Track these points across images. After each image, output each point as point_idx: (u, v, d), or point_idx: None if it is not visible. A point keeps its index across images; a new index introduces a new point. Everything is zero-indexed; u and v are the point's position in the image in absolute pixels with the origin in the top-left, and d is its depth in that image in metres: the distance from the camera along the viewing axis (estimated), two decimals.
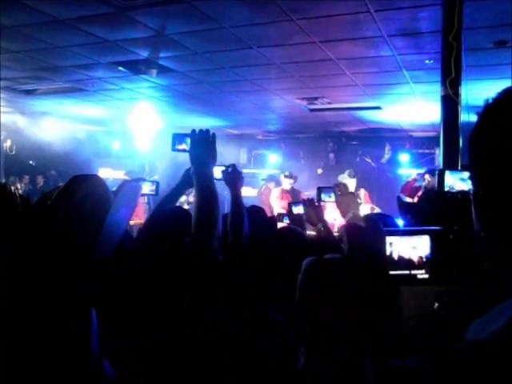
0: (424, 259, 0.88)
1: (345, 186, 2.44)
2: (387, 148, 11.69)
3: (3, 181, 11.88)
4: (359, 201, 8.40)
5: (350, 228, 0.75)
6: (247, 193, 11.73)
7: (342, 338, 0.67)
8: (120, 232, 1.33)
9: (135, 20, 5.02)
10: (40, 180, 12.73)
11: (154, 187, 3.46)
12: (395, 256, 0.87)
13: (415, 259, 0.88)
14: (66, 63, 6.75)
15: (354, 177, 8.60)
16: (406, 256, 0.87)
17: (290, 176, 9.35)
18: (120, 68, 6.79)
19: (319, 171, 12.34)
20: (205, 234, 1.60)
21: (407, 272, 0.87)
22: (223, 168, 2.56)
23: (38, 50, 6.18)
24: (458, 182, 2.66)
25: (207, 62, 6.40)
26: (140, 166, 13.47)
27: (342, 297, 0.67)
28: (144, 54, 6.20)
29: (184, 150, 2.06)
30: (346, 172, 8.64)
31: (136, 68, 6.71)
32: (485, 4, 4.30)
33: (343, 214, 2.32)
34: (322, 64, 6.28)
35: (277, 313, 1.60)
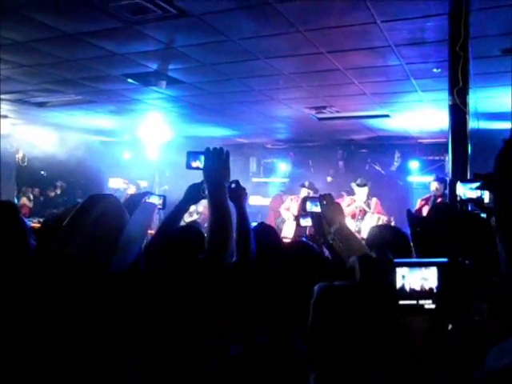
0: (434, 290, 0.90)
1: (330, 196, 2.44)
2: (396, 155, 11.66)
3: (15, 191, 12.04)
4: (368, 210, 8.39)
5: (363, 258, 0.78)
6: (256, 201, 11.78)
7: (351, 363, 0.69)
8: (135, 250, 1.36)
9: (144, 34, 5.10)
10: (51, 192, 12.87)
11: (161, 201, 3.49)
12: (405, 286, 0.89)
13: (424, 290, 0.90)
14: (77, 76, 6.85)
15: (364, 185, 8.57)
16: (416, 286, 0.89)
17: (309, 187, 9.31)
18: (130, 80, 6.88)
19: (329, 179, 12.34)
20: (219, 251, 1.63)
21: (415, 302, 0.88)
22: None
23: (49, 64, 6.28)
24: (468, 191, 2.68)
25: (216, 73, 6.46)
26: (150, 175, 13.59)
27: (353, 324, 0.69)
28: (153, 66, 6.28)
29: (198, 168, 2.09)
30: (357, 180, 8.62)
31: (146, 80, 6.79)
32: (492, 13, 4.31)
33: (329, 225, 2.32)
34: (329, 74, 6.31)
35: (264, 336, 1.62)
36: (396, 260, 0.86)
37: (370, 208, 8.45)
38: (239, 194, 2.42)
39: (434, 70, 5.90)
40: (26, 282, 1.47)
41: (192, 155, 2.13)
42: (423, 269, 0.90)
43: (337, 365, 0.70)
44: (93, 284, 1.34)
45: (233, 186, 2.46)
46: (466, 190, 2.66)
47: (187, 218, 9.50)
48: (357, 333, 0.70)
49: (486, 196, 2.36)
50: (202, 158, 2.05)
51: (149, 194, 3.68)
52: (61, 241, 1.40)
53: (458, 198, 2.68)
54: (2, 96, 8.15)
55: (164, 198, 3.54)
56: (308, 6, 4.27)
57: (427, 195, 8.28)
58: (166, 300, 1.64)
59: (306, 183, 9.49)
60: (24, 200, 12.37)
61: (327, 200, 2.36)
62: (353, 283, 0.74)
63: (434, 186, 7.66)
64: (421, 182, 11.14)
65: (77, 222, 1.40)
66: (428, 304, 0.89)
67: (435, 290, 0.90)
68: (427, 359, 0.91)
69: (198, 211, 9.82)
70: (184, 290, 1.65)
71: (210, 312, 1.72)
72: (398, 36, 4.92)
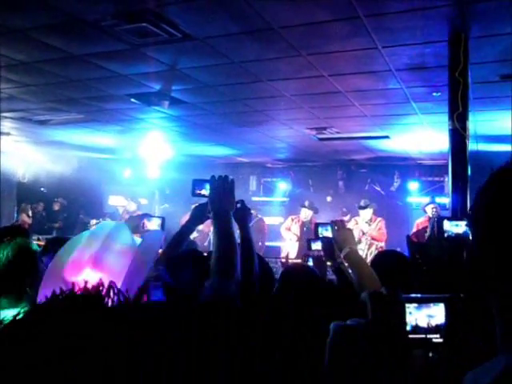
0: (439, 325, 0.93)
1: (342, 221, 2.49)
2: (396, 176, 11.72)
3: (15, 208, 12.04)
4: (367, 230, 8.42)
5: (374, 295, 0.81)
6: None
7: None
8: (142, 278, 1.38)
9: (149, 56, 5.18)
10: (55, 206, 12.87)
11: (160, 222, 3.49)
12: (414, 321, 0.92)
13: (432, 325, 0.93)
14: (80, 95, 6.93)
15: (366, 207, 8.62)
16: (424, 322, 0.92)
17: (309, 207, 9.38)
18: (133, 100, 6.95)
19: (328, 199, 12.37)
20: (224, 278, 1.64)
21: (423, 336, 0.91)
22: None
23: (54, 84, 6.35)
24: (453, 227, 2.85)
25: (218, 94, 6.54)
26: (150, 193, 13.62)
27: (366, 361, 0.72)
28: (156, 86, 6.35)
29: (204, 196, 2.12)
30: (361, 202, 8.68)
31: (148, 100, 6.86)
32: (490, 40, 4.39)
33: (340, 249, 2.36)
34: (331, 96, 6.39)
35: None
36: (405, 296, 0.89)
37: (370, 226, 8.49)
38: (244, 215, 2.42)
39: (434, 94, 5.98)
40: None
41: (197, 183, 2.17)
42: (431, 305, 0.93)
43: None
44: (99, 311, 1.36)
45: (238, 205, 2.46)
46: (452, 227, 2.80)
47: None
48: (370, 367, 0.73)
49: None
50: (207, 185, 2.08)
51: (147, 216, 3.69)
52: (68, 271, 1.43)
53: (446, 235, 2.80)
54: (5, 114, 8.24)
55: (163, 219, 3.54)
56: (311, 31, 4.35)
57: (423, 218, 8.36)
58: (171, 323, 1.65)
59: (306, 203, 9.55)
60: (24, 217, 12.37)
61: (338, 225, 2.40)
62: (365, 321, 0.77)
63: (430, 208, 7.77)
64: (420, 202, 11.18)
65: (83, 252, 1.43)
66: (436, 338, 0.92)
67: (441, 326, 0.93)
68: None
69: (198, 229, 9.83)
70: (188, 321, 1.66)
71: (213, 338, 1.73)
72: (399, 61, 5.00)
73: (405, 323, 0.89)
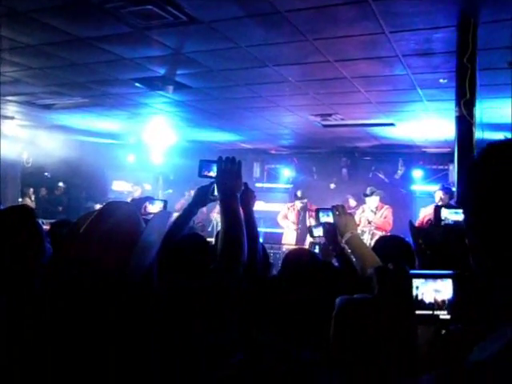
0: (446, 301, 0.92)
1: (342, 206, 2.47)
2: (400, 164, 11.68)
3: (19, 192, 12.07)
4: (373, 217, 8.39)
5: (380, 269, 0.81)
6: (259, 207, 11.80)
7: (373, 372, 0.72)
8: (150, 259, 1.37)
9: (153, 39, 5.13)
10: (57, 191, 12.91)
11: (162, 205, 3.47)
12: (419, 297, 0.92)
13: (438, 301, 0.92)
14: (85, 79, 6.90)
15: (371, 195, 8.59)
16: (430, 297, 0.92)
17: (301, 196, 9.56)
18: (137, 84, 6.92)
19: (332, 186, 12.36)
20: (231, 261, 1.64)
21: (430, 312, 0.91)
22: None
23: (58, 67, 6.32)
24: (452, 215, 2.86)
25: (223, 79, 6.50)
26: (154, 178, 13.63)
27: (372, 334, 0.72)
28: (161, 71, 6.32)
29: (210, 177, 2.10)
30: (367, 190, 8.66)
31: (153, 84, 6.83)
32: (500, 26, 4.33)
33: (341, 234, 2.36)
34: (336, 82, 6.34)
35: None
36: (412, 271, 0.89)
37: (375, 214, 8.47)
38: (248, 197, 2.41)
39: (441, 81, 5.93)
40: (43, 287, 1.49)
41: (204, 164, 2.13)
42: (438, 280, 0.93)
43: (359, 373, 0.72)
44: (109, 290, 1.36)
45: (242, 188, 2.45)
46: (449, 215, 2.80)
47: None
48: (377, 342, 0.73)
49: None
50: (215, 166, 2.06)
51: (150, 199, 3.68)
52: (78, 247, 1.43)
53: (443, 223, 2.80)
54: (10, 97, 8.22)
55: (165, 202, 3.53)
56: (317, 15, 4.30)
57: (430, 205, 8.28)
58: (176, 308, 1.66)
59: (299, 193, 9.75)
60: (27, 201, 12.41)
61: (339, 210, 2.39)
62: (371, 295, 0.77)
63: (439, 195, 7.67)
64: (424, 190, 11.16)
65: (95, 228, 1.43)
66: (443, 315, 0.92)
67: (447, 302, 0.93)
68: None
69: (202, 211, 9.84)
70: (194, 299, 1.67)
71: (218, 318, 1.74)
72: (406, 46, 4.95)
73: (412, 298, 0.89)
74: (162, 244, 2.30)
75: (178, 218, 2.45)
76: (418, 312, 0.90)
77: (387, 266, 0.84)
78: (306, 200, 9.61)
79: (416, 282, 0.92)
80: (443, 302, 0.92)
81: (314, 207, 3.98)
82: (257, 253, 2.34)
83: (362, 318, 0.76)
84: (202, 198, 2.37)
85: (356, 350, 0.74)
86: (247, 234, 2.23)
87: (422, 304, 0.91)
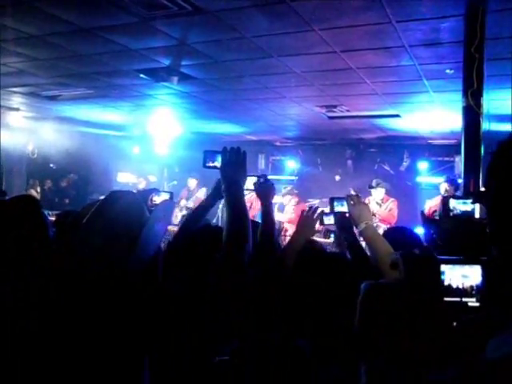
0: (474, 286, 0.91)
1: (357, 196, 2.45)
2: (406, 156, 11.62)
3: (25, 183, 12.10)
4: (378, 209, 8.35)
5: (407, 255, 0.80)
6: None
7: (401, 358, 0.71)
8: (154, 247, 1.37)
9: (158, 30, 5.10)
10: (63, 183, 12.92)
11: (168, 197, 3.48)
12: (447, 282, 0.90)
13: (466, 286, 0.91)
14: (89, 70, 6.88)
15: (376, 187, 8.56)
16: (458, 283, 0.90)
17: (290, 192, 9.73)
18: (142, 75, 6.89)
19: (337, 178, 12.32)
20: (235, 250, 1.63)
21: (458, 299, 0.90)
22: (255, 179, 2.50)
23: (62, 58, 6.30)
24: (460, 205, 2.83)
25: (228, 70, 6.46)
26: (159, 170, 13.63)
27: (400, 319, 0.71)
28: (166, 62, 6.29)
29: (215, 167, 2.09)
30: (373, 182, 8.63)
31: (157, 75, 6.80)
32: (508, 15, 4.28)
33: (356, 225, 2.33)
34: (342, 73, 6.30)
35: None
36: (440, 257, 0.88)
37: (380, 207, 8.44)
38: (268, 190, 2.38)
39: (448, 71, 5.87)
40: (46, 275, 1.48)
41: (209, 154, 2.12)
42: (466, 266, 0.91)
43: (386, 357, 0.71)
44: (112, 279, 1.35)
45: (261, 180, 2.41)
46: (457, 205, 2.78)
47: (179, 213, 9.54)
48: (404, 327, 0.72)
49: (477, 210, 2.44)
50: (219, 157, 2.05)
51: (156, 190, 3.69)
52: (81, 236, 1.42)
53: (451, 213, 2.78)
54: (15, 89, 8.22)
55: (171, 194, 3.55)
56: (323, 4, 4.26)
57: (435, 197, 8.24)
58: (181, 297, 1.65)
59: (289, 187, 9.93)
60: (32, 192, 12.44)
61: (354, 200, 2.36)
62: (396, 281, 0.76)
63: (444, 187, 7.63)
64: (429, 182, 11.10)
65: (98, 217, 1.42)
66: (472, 302, 0.91)
67: (475, 287, 0.91)
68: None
69: (188, 207, 9.76)
70: (198, 287, 1.66)
71: (222, 308, 1.73)
72: (413, 36, 4.89)
73: (440, 283, 0.87)
74: (178, 234, 2.29)
75: (196, 209, 2.44)
76: (445, 299, 0.88)
77: (413, 251, 0.83)
78: (297, 199, 9.79)
79: (442, 267, 0.90)
80: (471, 287, 0.91)
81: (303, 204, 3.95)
82: (273, 244, 2.32)
83: (389, 303, 0.74)
84: (220, 190, 2.37)
85: (384, 335, 0.73)
86: (264, 227, 2.22)
87: (449, 290, 0.89)
